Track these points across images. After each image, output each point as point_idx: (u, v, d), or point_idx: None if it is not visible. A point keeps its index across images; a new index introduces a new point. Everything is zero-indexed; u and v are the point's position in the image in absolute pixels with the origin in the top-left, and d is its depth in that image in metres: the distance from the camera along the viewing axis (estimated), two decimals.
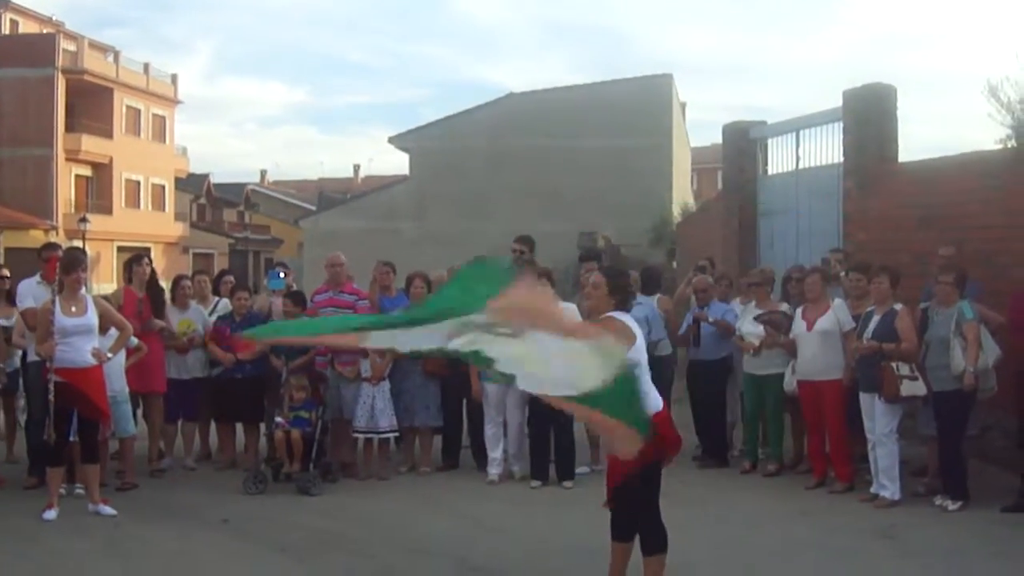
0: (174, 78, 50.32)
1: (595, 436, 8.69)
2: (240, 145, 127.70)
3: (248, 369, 8.97)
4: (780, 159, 13.56)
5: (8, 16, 44.67)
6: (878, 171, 10.95)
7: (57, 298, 7.26)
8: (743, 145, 14.11)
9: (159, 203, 48.13)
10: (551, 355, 4.76)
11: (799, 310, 8.44)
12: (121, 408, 8.15)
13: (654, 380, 5.49)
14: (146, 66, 47.67)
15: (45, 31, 45.33)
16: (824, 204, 12.01)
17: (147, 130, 47.26)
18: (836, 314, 8.17)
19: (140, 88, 46.52)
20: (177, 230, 49.32)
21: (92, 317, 7.39)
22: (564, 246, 23.11)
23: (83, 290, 7.53)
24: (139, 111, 46.56)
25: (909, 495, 7.68)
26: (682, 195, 35.50)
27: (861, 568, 6.20)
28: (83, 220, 38.30)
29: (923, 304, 8.07)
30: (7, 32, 44.17)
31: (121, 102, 45.01)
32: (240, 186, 62.99)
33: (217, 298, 9.95)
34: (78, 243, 32.10)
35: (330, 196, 49.35)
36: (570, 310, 8.30)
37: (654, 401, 5.22)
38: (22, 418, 8.92)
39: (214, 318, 9.42)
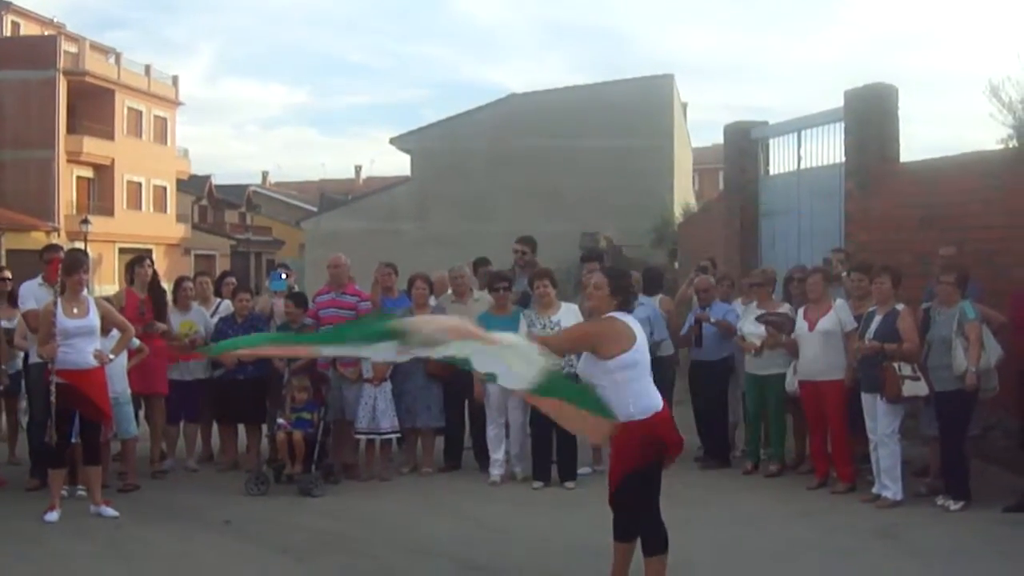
0: (175, 80, 50.37)
1: None
2: (241, 147, 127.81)
3: (250, 370, 8.97)
4: (781, 159, 13.57)
5: (9, 18, 44.72)
6: (879, 171, 10.95)
7: (59, 300, 7.26)
8: (744, 145, 14.11)
9: (161, 205, 48.16)
10: (494, 354, 5.20)
11: (801, 310, 8.44)
12: (123, 409, 8.17)
13: (656, 381, 5.48)
14: (147, 68, 47.71)
15: (46, 33, 45.36)
16: (825, 204, 12.01)
17: (148, 132, 47.29)
18: (838, 314, 8.16)
19: (141, 90, 46.56)
20: (179, 232, 49.35)
21: (94, 319, 7.39)
22: (566, 247, 23.08)
23: (85, 292, 7.53)
24: (140, 113, 46.59)
25: (911, 495, 7.67)
26: (683, 195, 35.48)
27: (863, 568, 6.20)
28: (85, 222, 38.32)
29: (925, 304, 8.07)
30: (9, 34, 44.23)
31: (123, 104, 45.05)
32: (242, 187, 63.02)
33: (219, 299, 9.95)
34: (80, 245, 32.04)
35: (332, 197, 49.33)
36: (571, 311, 8.35)
37: (655, 401, 5.22)
38: (24, 420, 8.92)
39: (216, 319, 9.43)
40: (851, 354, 7.97)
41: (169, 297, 9.27)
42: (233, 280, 10.47)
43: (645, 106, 32.59)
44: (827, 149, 12.21)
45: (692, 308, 9.70)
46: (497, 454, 8.67)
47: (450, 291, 9.55)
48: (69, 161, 41.76)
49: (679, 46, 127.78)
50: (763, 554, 6.43)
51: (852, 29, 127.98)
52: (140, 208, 46.36)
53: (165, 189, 48.50)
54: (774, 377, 8.69)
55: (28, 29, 45.97)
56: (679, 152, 35.13)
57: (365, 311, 9.12)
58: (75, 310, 7.32)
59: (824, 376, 8.12)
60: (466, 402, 9.14)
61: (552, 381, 5.17)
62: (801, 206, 12.72)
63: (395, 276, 9.70)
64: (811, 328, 8.19)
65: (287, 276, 10.64)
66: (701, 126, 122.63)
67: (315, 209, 47.31)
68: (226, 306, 9.69)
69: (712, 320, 9.21)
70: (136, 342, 8.12)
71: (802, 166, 12.94)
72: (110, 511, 7.34)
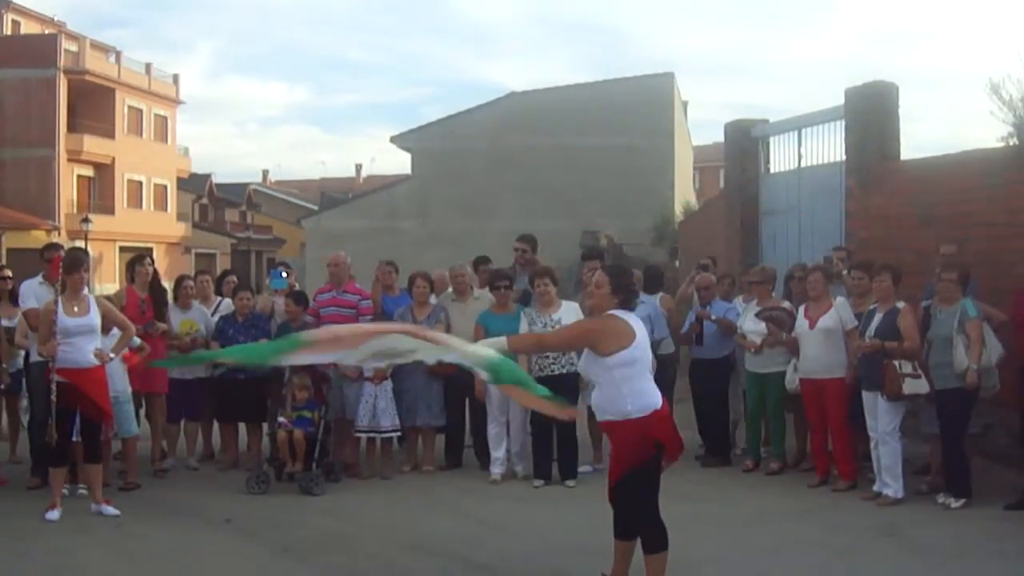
0: (176, 78, 50.33)
1: (598, 435, 8.69)
2: (242, 145, 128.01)
3: (251, 369, 8.96)
4: (782, 157, 13.56)
5: (10, 17, 44.69)
6: (880, 169, 10.95)
7: (59, 298, 7.26)
8: (745, 143, 14.11)
9: (161, 203, 48.14)
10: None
11: (801, 308, 8.44)
12: (124, 408, 8.16)
13: (656, 379, 5.49)
14: (148, 66, 47.68)
15: (47, 31, 45.35)
16: (826, 202, 12.01)
17: (149, 130, 47.27)
18: (838, 312, 8.16)
19: (142, 88, 46.53)
20: (179, 230, 49.33)
21: (94, 317, 7.39)
22: (566, 245, 23.14)
23: (85, 290, 7.53)
24: (141, 111, 46.56)
25: (912, 493, 7.67)
26: (684, 194, 35.53)
27: (864, 566, 6.19)
28: (85, 220, 38.31)
29: (925, 302, 8.07)
30: (9, 33, 44.21)
31: (123, 102, 45.03)
32: (242, 186, 63.00)
33: (219, 298, 9.95)
34: (80, 243, 32.06)
35: (332, 196, 49.36)
36: (572, 309, 8.35)
37: (654, 399, 5.22)
38: (25, 418, 8.92)
39: (216, 318, 9.43)
40: (852, 352, 7.97)
41: (170, 296, 9.27)
42: (234, 279, 10.47)
43: (645, 104, 32.62)
44: (828, 147, 12.22)
45: (693, 306, 9.70)
46: (498, 452, 8.67)
47: (451, 289, 9.55)
48: (70, 160, 41.75)
49: (679, 44, 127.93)
50: (764, 552, 6.43)
51: (853, 27, 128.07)
52: (141, 207, 46.34)
53: (166, 188, 48.48)
54: (774, 375, 8.69)
55: (28, 28, 45.96)
56: (679, 150, 35.16)
57: (366, 310, 9.13)
58: (76, 309, 7.32)
59: (825, 374, 8.12)
60: (467, 400, 9.14)
61: (502, 368, 5.21)
62: (802, 204, 12.72)
63: (396, 274, 9.72)
64: (812, 326, 8.19)
65: (288, 275, 10.63)
66: (702, 124, 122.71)
67: (316, 208, 47.35)
68: (227, 305, 9.69)
69: (713, 318, 9.21)
70: (137, 341, 8.11)
71: (803, 164, 12.94)
72: (111, 510, 7.34)
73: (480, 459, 9.10)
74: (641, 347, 5.26)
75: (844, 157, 11.56)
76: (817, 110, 12.41)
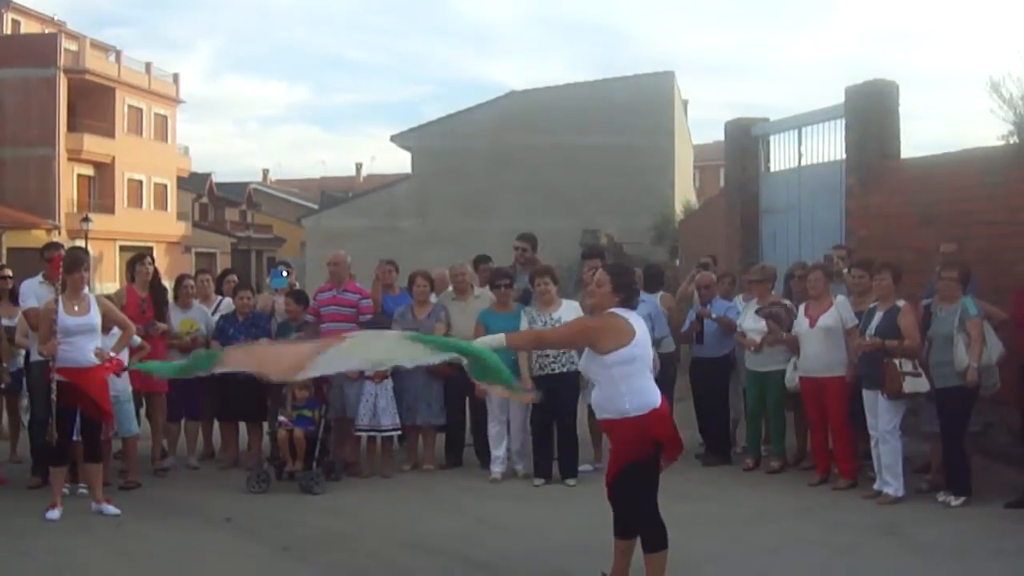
0: (176, 77, 50.31)
1: (598, 434, 8.69)
2: (242, 144, 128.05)
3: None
4: (782, 156, 13.57)
5: (10, 16, 44.67)
6: (880, 168, 10.94)
7: (60, 297, 7.26)
8: (745, 142, 14.11)
9: (161, 202, 48.13)
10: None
11: (802, 307, 8.44)
12: (124, 407, 8.17)
13: (657, 378, 5.48)
14: (148, 65, 47.66)
15: (47, 31, 45.32)
16: (826, 201, 12.01)
17: (149, 129, 47.25)
18: (839, 311, 8.16)
19: (142, 87, 46.52)
20: (179, 229, 49.32)
21: (95, 316, 7.39)
22: (566, 244, 23.12)
23: (86, 289, 7.53)
24: (141, 110, 46.54)
25: (912, 492, 7.67)
26: (684, 192, 35.51)
27: (864, 564, 6.19)
28: (85, 220, 38.31)
29: (925, 300, 8.07)
30: (9, 32, 44.18)
31: (123, 102, 45.01)
32: (242, 185, 62.98)
33: (220, 297, 9.96)
34: (80, 243, 32.06)
35: (332, 195, 49.34)
36: (572, 308, 8.35)
37: (652, 398, 5.22)
38: (25, 418, 8.92)
39: (217, 317, 9.43)
40: (852, 351, 7.97)
41: (170, 295, 9.27)
42: (234, 278, 10.47)
43: (646, 103, 32.61)
44: (828, 146, 12.22)
45: (693, 305, 9.70)
46: (498, 451, 8.67)
47: (451, 288, 9.55)
48: (70, 159, 41.73)
49: (680, 43, 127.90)
50: (764, 550, 6.43)
51: (853, 26, 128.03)
52: (141, 206, 46.32)
53: (166, 187, 48.47)
54: (774, 373, 8.69)
55: (28, 27, 45.93)
56: (680, 149, 35.14)
57: (366, 309, 9.13)
58: (76, 308, 7.32)
59: (825, 372, 8.12)
60: (467, 399, 9.14)
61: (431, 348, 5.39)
62: (802, 203, 12.72)
63: (396, 273, 9.73)
64: (812, 325, 8.19)
65: (288, 274, 10.63)
66: (702, 123, 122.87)
67: (316, 207, 47.33)
68: (227, 304, 9.70)
69: (713, 316, 9.21)
70: (137, 340, 8.11)
71: (803, 163, 12.94)
72: (111, 509, 7.34)
73: (480, 458, 9.10)
74: (641, 345, 5.25)
75: (844, 156, 11.56)
76: (817, 109, 12.41)
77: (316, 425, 8.36)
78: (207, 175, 57.09)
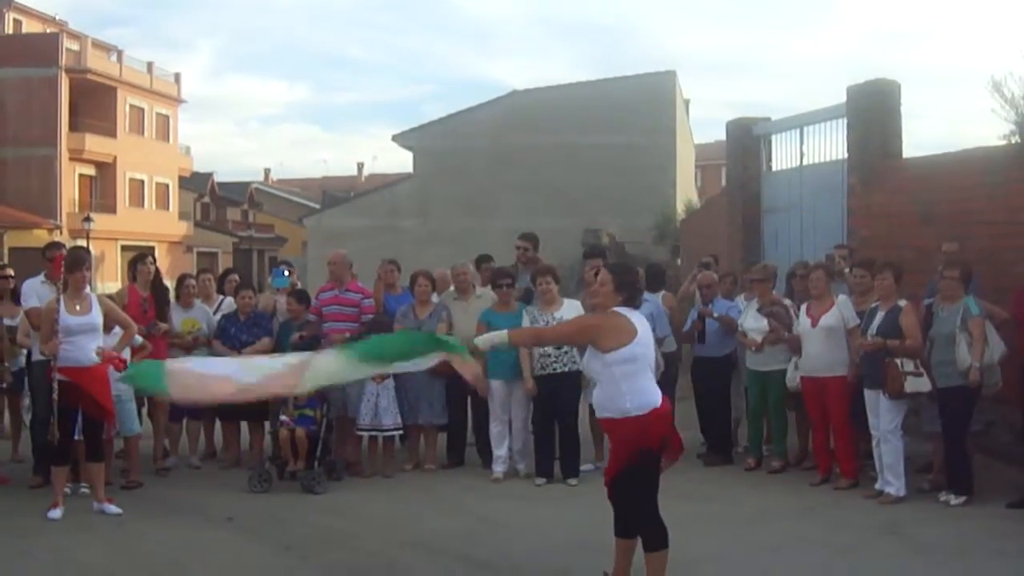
0: (177, 77, 50.31)
1: (599, 433, 8.69)
2: (243, 144, 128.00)
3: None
4: (784, 155, 13.57)
5: (11, 16, 44.68)
6: (882, 167, 10.94)
7: (61, 297, 7.26)
8: (747, 142, 14.11)
9: (163, 202, 48.13)
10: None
11: (803, 306, 8.44)
12: (126, 407, 8.17)
13: (659, 378, 5.47)
14: (149, 65, 47.68)
15: (48, 31, 45.31)
16: (828, 200, 12.01)
17: (151, 129, 47.26)
18: (840, 310, 8.16)
19: (143, 87, 46.52)
20: (181, 229, 49.33)
21: (96, 316, 7.39)
22: (568, 243, 23.09)
23: (87, 289, 7.54)
24: (142, 110, 46.55)
25: (914, 491, 7.67)
26: (686, 192, 35.50)
27: (866, 564, 6.19)
28: (87, 219, 38.31)
29: (927, 300, 8.06)
30: (10, 32, 44.18)
31: (124, 101, 45.01)
32: (244, 185, 62.96)
33: (221, 297, 9.96)
34: (82, 242, 32.09)
35: (334, 194, 49.31)
36: (574, 307, 8.35)
37: (653, 398, 5.22)
38: (27, 417, 8.93)
39: (219, 317, 9.43)
40: (854, 350, 7.96)
41: (172, 295, 9.28)
42: (236, 277, 10.48)
43: (647, 103, 32.59)
44: (829, 145, 12.23)
45: (695, 304, 9.70)
46: (500, 450, 8.67)
47: (452, 288, 9.55)
48: (71, 159, 41.74)
49: (681, 43, 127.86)
50: (766, 550, 6.43)
51: (854, 25, 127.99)
52: (142, 206, 46.32)
53: (167, 186, 48.47)
54: (775, 373, 8.69)
55: (30, 27, 45.93)
56: (681, 148, 35.12)
57: (368, 308, 9.14)
58: (78, 307, 7.32)
59: (827, 372, 8.11)
60: (469, 398, 9.14)
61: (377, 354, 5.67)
62: (803, 202, 12.72)
63: (398, 273, 9.73)
64: (814, 324, 8.19)
65: (290, 273, 10.64)
66: (703, 122, 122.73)
67: (317, 206, 47.30)
68: (229, 303, 9.70)
69: (715, 316, 9.21)
70: (139, 339, 8.11)
71: (804, 162, 12.94)
72: (113, 508, 7.35)
73: (482, 457, 9.10)
74: (643, 344, 5.25)
75: (846, 155, 11.56)
76: (819, 108, 12.41)
77: (318, 424, 8.36)
78: (208, 175, 57.08)
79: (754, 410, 9.03)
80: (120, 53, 46.78)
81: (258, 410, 9.11)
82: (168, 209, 48.51)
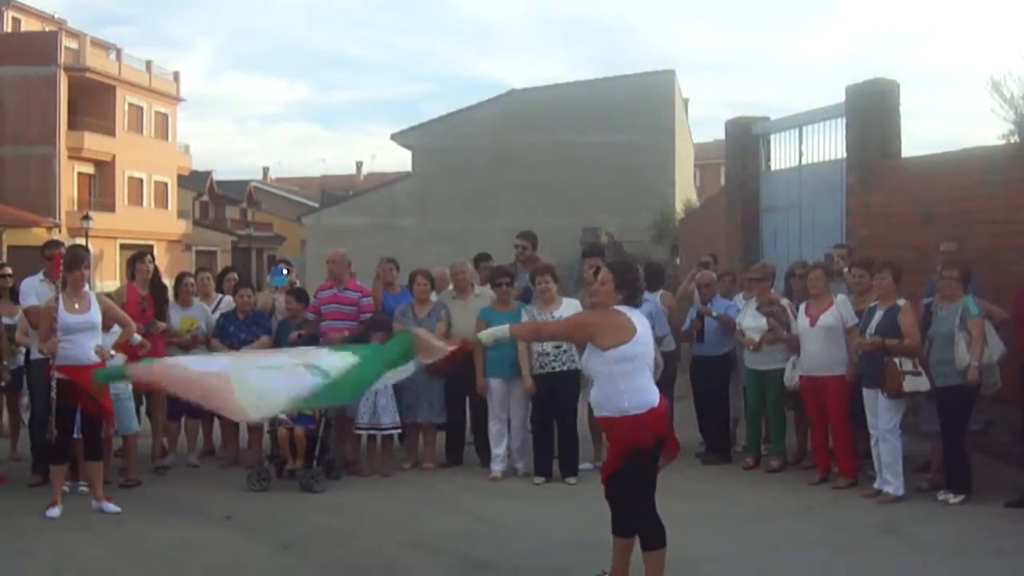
0: (176, 75, 50.30)
1: (598, 432, 8.69)
2: (242, 142, 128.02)
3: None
4: (783, 155, 13.57)
5: (10, 14, 44.66)
6: (881, 167, 10.94)
7: (60, 295, 7.26)
8: (746, 141, 14.11)
9: (162, 201, 48.12)
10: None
11: (802, 306, 8.44)
12: (124, 405, 8.17)
13: (657, 376, 5.47)
14: (148, 64, 47.66)
15: (47, 29, 45.29)
16: (827, 200, 12.01)
17: (150, 127, 47.24)
18: (839, 310, 8.16)
19: (142, 86, 46.50)
20: (180, 227, 49.31)
21: (95, 314, 7.39)
22: (567, 242, 23.10)
23: (86, 287, 7.54)
24: (141, 109, 46.53)
25: (912, 490, 7.67)
26: (685, 191, 35.50)
27: (864, 563, 6.19)
28: (86, 218, 38.29)
29: (926, 300, 8.07)
30: (9, 30, 44.17)
31: (123, 100, 44.99)
32: (243, 183, 62.95)
33: (220, 295, 9.95)
34: (81, 241, 32.10)
35: (333, 193, 49.31)
36: (573, 306, 8.35)
37: (651, 397, 5.22)
38: (26, 416, 8.92)
39: (217, 315, 9.43)
40: (852, 350, 7.97)
41: (171, 293, 9.27)
42: (235, 276, 10.47)
43: (646, 102, 32.59)
44: (828, 145, 12.23)
45: (693, 303, 9.70)
46: (498, 449, 8.67)
47: (451, 287, 9.55)
48: (70, 157, 41.72)
49: (680, 42, 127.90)
50: (764, 549, 6.43)
51: (854, 25, 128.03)
52: (141, 204, 46.31)
53: (166, 185, 48.46)
54: (774, 372, 8.69)
55: (29, 25, 45.92)
56: (680, 148, 35.12)
57: (367, 307, 9.14)
58: (76, 306, 7.32)
59: (826, 371, 8.12)
60: (467, 397, 9.14)
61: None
62: (802, 202, 12.72)
63: (396, 271, 9.73)
64: (812, 324, 8.19)
65: (288, 272, 10.64)
66: (702, 122, 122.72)
67: (316, 205, 47.31)
68: (227, 302, 9.70)
69: (714, 315, 9.21)
70: (137, 338, 8.11)
71: (803, 162, 12.94)
72: (112, 507, 7.34)
73: (481, 456, 9.10)
74: (642, 343, 5.26)
75: (845, 154, 11.56)
76: (818, 107, 12.41)
77: (316, 423, 8.35)
78: (207, 173, 57.06)
79: (753, 409, 9.04)
80: (119, 51, 46.79)
81: None
82: (167, 207, 48.50)
